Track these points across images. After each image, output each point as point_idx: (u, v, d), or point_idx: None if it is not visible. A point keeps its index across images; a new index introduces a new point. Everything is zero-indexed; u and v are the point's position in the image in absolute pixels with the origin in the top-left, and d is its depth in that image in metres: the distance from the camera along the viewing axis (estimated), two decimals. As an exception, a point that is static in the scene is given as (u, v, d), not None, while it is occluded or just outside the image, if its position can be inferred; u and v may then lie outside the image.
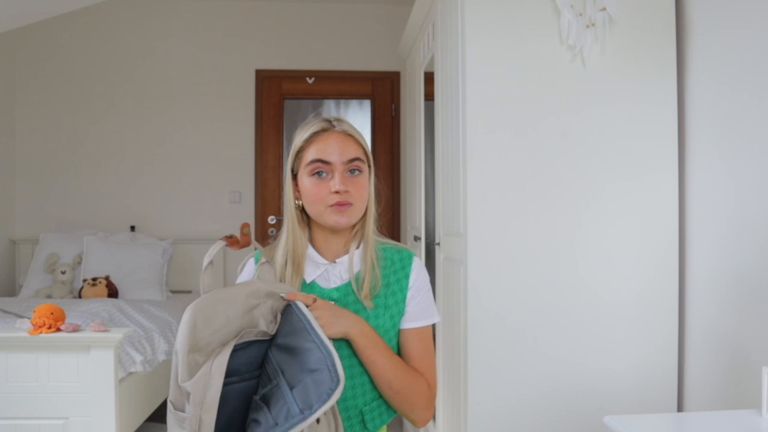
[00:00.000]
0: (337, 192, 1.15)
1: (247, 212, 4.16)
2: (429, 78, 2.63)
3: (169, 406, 1.01)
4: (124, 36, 4.11)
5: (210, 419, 0.94)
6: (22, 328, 2.06)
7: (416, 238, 2.97)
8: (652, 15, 1.95)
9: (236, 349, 0.99)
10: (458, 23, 1.98)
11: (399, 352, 1.21)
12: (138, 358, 2.42)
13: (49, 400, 2.02)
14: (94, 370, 2.03)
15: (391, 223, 4.16)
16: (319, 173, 1.16)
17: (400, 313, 1.20)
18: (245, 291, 1.06)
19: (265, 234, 4.15)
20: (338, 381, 0.91)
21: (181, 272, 3.95)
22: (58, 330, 2.03)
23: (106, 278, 3.43)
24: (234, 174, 4.16)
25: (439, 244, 2.36)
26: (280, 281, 1.17)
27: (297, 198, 1.21)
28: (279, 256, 1.20)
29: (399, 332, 1.20)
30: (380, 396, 1.16)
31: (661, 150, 1.95)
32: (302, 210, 1.22)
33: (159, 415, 2.66)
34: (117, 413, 2.05)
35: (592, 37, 1.88)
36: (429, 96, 2.64)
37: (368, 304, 1.17)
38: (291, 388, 0.94)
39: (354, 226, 1.22)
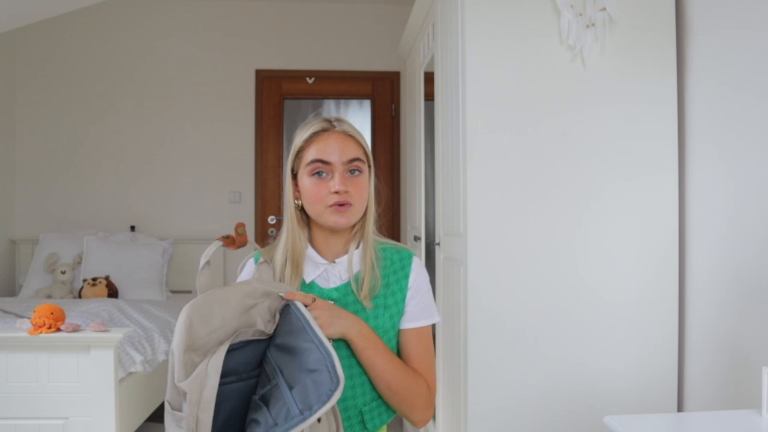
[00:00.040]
0: (336, 192, 1.15)
1: (247, 212, 4.16)
2: (429, 78, 2.63)
3: (167, 406, 1.01)
4: (124, 36, 4.11)
5: (207, 418, 0.94)
6: (22, 328, 2.06)
7: (416, 238, 2.97)
8: (652, 15, 1.95)
9: (233, 349, 0.99)
10: (458, 23, 1.98)
11: (398, 352, 1.20)
12: (138, 358, 2.42)
13: (49, 400, 2.02)
14: (94, 370, 2.03)
15: (391, 223, 4.16)
16: (319, 173, 1.16)
17: (400, 313, 1.20)
18: (242, 291, 1.06)
19: (264, 234, 4.15)
20: (338, 382, 0.91)
21: (181, 272, 3.95)
22: (58, 330, 2.03)
23: (106, 278, 3.43)
24: (234, 174, 4.16)
25: (439, 244, 2.36)
26: (280, 281, 1.17)
27: (297, 198, 1.21)
28: (278, 255, 1.19)
29: (398, 332, 1.20)
30: (380, 396, 1.16)
31: (661, 150, 1.95)
32: (302, 210, 1.21)
33: (159, 415, 2.66)
34: (117, 413, 2.05)
35: (592, 37, 1.88)
36: (429, 96, 2.64)
37: (368, 304, 1.17)
38: (290, 388, 0.94)
39: (354, 226, 1.22)
